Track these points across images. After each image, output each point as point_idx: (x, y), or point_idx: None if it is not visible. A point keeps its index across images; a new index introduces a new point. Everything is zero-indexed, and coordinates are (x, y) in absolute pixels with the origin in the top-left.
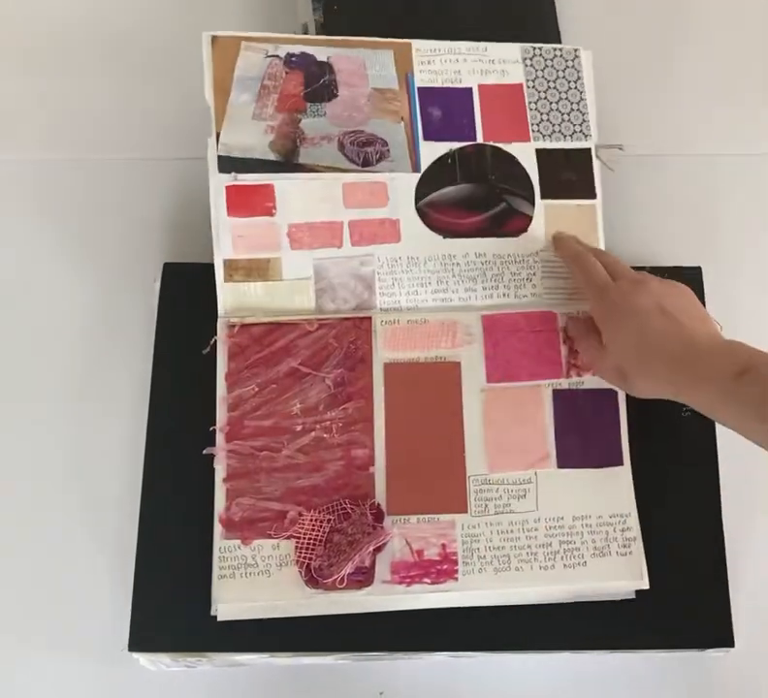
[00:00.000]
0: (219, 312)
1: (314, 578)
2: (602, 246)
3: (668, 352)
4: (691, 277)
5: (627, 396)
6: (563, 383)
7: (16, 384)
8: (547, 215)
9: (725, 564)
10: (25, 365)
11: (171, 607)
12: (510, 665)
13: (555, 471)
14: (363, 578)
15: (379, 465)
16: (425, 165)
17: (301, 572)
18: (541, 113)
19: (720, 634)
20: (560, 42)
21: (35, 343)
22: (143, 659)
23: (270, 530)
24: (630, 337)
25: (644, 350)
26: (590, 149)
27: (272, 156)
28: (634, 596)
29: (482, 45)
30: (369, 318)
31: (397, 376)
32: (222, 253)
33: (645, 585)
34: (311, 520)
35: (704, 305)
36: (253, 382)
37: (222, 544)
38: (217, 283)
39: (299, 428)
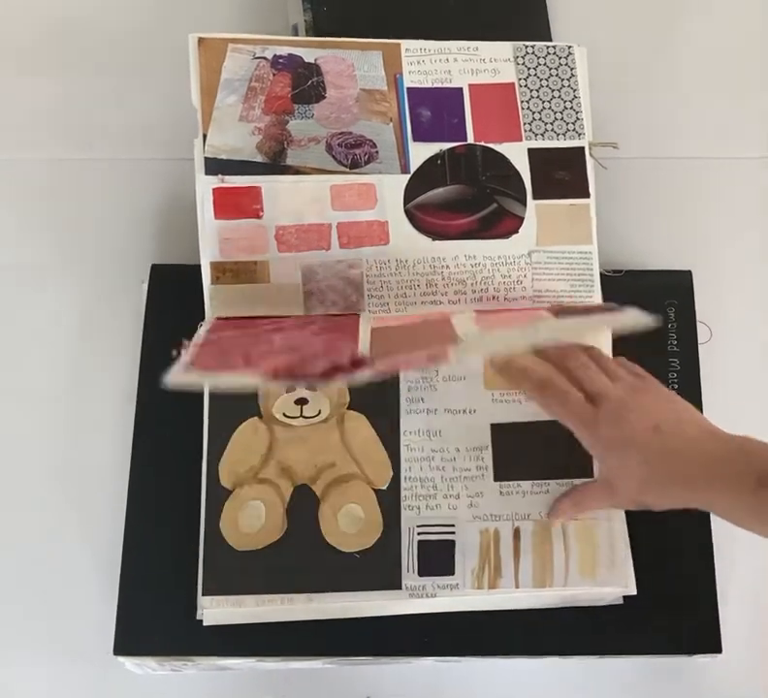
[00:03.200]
0: (206, 315)
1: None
2: (595, 246)
3: (681, 474)
4: (682, 281)
5: None
6: None
7: (2, 384)
8: (538, 216)
9: (713, 570)
10: (11, 366)
11: (156, 611)
12: (497, 670)
13: None
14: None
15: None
16: (414, 166)
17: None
18: (533, 112)
19: (707, 640)
20: (550, 40)
21: (21, 344)
22: (128, 663)
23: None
24: (637, 470)
25: (655, 479)
26: (583, 148)
27: (259, 158)
28: (622, 601)
29: (473, 44)
30: (357, 315)
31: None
32: (209, 256)
33: (632, 590)
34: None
35: (694, 312)
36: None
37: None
38: (204, 286)
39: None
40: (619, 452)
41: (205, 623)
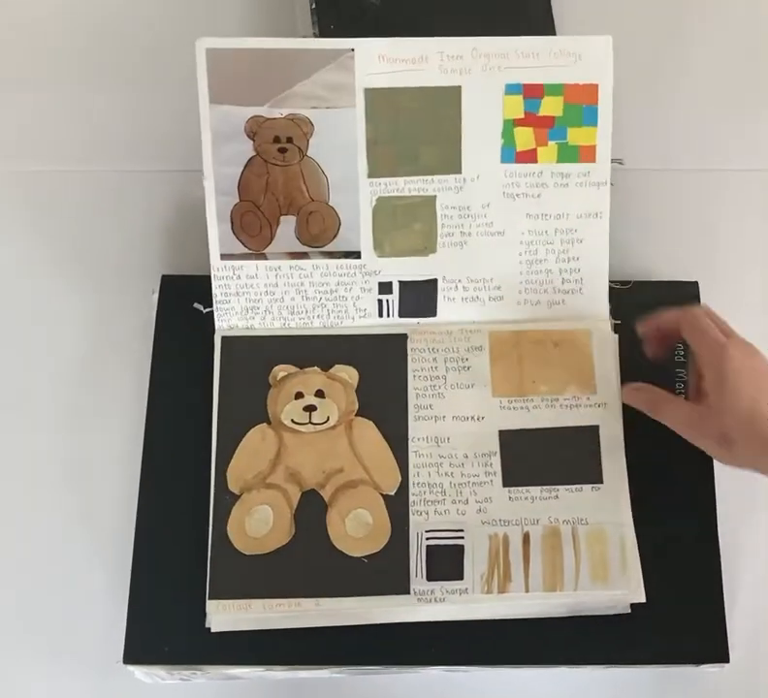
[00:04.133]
0: (216, 325)
1: None
2: (606, 258)
3: None
4: (689, 292)
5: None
6: None
7: (14, 395)
8: None
9: (721, 579)
10: (23, 377)
11: (166, 620)
12: (506, 679)
13: None
14: None
15: None
16: None
17: None
18: None
19: (715, 650)
20: None
21: (32, 355)
22: (138, 672)
23: None
24: (746, 400)
25: (758, 414)
26: None
27: None
28: (630, 611)
29: None
30: None
31: None
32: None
33: (641, 598)
34: None
35: None
36: None
37: None
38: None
39: None
40: (738, 380)
41: (212, 630)
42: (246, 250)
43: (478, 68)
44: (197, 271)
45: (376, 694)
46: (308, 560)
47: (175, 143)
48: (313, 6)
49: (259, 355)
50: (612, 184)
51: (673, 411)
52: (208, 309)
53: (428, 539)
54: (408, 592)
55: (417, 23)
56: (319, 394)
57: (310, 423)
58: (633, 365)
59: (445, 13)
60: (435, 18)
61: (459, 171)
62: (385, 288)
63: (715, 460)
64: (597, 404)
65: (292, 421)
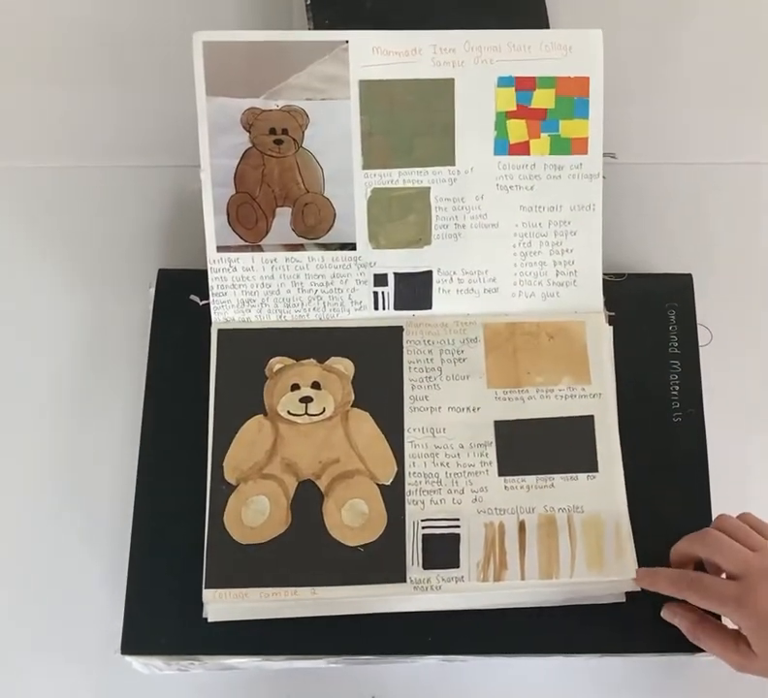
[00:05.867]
0: (212, 318)
1: None
2: (600, 250)
3: None
4: (682, 284)
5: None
6: None
7: (9, 390)
8: None
9: None
10: (19, 372)
11: (164, 610)
12: (501, 669)
13: None
14: None
15: None
16: None
17: None
18: None
19: None
20: None
21: (28, 350)
22: (135, 662)
23: None
24: None
25: None
26: None
27: None
28: (624, 600)
29: None
30: None
31: None
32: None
33: (637, 587)
34: None
35: (695, 315)
36: None
37: None
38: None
39: None
40: None
41: (209, 619)
42: (242, 242)
43: (470, 61)
44: (193, 266)
45: (373, 684)
46: (305, 550)
47: (170, 138)
48: (308, 2)
49: (255, 347)
50: (604, 177)
51: (721, 652)
52: (204, 302)
53: (424, 528)
54: (405, 581)
55: (411, 19)
56: (315, 385)
57: (306, 414)
58: (627, 357)
59: (440, 8)
60: (430, 14)
61: (452, 163)
62: (380, 280)
63: None
64: (592, 395)
65: (288, 412)
